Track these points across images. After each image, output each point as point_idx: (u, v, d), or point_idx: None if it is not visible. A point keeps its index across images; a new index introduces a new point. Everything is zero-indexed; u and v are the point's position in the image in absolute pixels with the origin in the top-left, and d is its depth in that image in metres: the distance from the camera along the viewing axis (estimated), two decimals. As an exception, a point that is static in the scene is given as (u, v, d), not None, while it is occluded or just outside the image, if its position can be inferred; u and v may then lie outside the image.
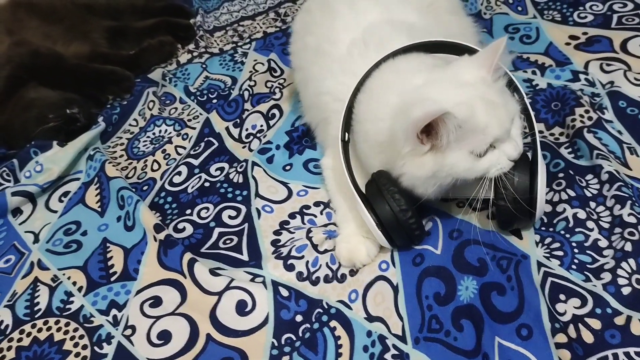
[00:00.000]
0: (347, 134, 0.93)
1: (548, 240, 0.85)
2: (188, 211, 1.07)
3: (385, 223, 0.84)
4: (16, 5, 1.57)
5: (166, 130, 1.30)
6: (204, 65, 1.50)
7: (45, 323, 0.93)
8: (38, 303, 0.96)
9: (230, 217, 1.04)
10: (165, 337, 0.87)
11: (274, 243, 0.97)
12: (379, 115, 0.86)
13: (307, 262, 0.91)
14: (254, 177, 1.08)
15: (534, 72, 1.14)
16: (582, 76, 1.10)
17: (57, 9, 1.58)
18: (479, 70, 0.81)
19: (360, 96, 0.91)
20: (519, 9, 1.34)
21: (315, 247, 0.93)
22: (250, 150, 1.17)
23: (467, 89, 0.80)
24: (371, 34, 0.97)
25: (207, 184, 1.11)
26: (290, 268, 0.91)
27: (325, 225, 0.98)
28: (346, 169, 0.89)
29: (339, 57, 0.98)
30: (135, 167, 1.22)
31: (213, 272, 0.91)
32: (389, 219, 0.83)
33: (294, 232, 0.97)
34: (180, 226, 1.04)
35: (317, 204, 1.02)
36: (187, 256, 0.94)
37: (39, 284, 1.00)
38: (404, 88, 0.84)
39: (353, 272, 0.88)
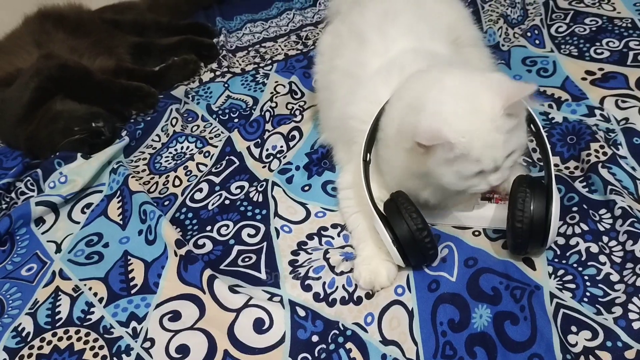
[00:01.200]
0: (368, 155, 0.96)
1: (561, 272, 0.87)
2: (208, 228, 1.09)
3: (401, 240, 0.86)
4: (45, 17, 1.62)
5: (188, 147, 1.34)
6: (226, 85, 1.54)
7: (66, 332, 0.96)
8: (59, 312, 0.99)
9: (249, 235, 1.06)
10: (184, 351, 0.89)
11: (292, 263, 0.99)
12: (394, 113, 0.91)
13: (324, 283, 0.93)
14: (273, 197, 1.11)
15: (550, 106, 1.17)
16: (597, 111, 1.13)
17: (85, 23, 1.63)
18: (497, 100, 0.82)
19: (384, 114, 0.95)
20: (537, 42, 1.37)
21: (332, 268, 0.95)
22: (271, 170, 1.20)
23: (477, 118, 0.82)
24: (394, 61, 1.01)
25: (227, 202, 1.14)
26: (307, 288, 0.93)
27: (342, 247, 1.00)
28: (366, 186, 0.92)
29: (365, 82, 1.02)
30: (157, 182, 1.25)
31: (232, 289, 0.93)
32: (406, 237, 0.86)
33: (311, 253, 1.00)
34: (200, 242, 1.07)
35: (334, 226, 1.05)
36: (207, 272, 0.96)
37: (60, 293, 1.03)
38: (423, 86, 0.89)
39: (369, 295, 0.91)
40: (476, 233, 0.95)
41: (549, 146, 0.90)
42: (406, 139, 0.85)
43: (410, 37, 1.04)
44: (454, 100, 0.84)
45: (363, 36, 1.07)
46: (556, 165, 1.05)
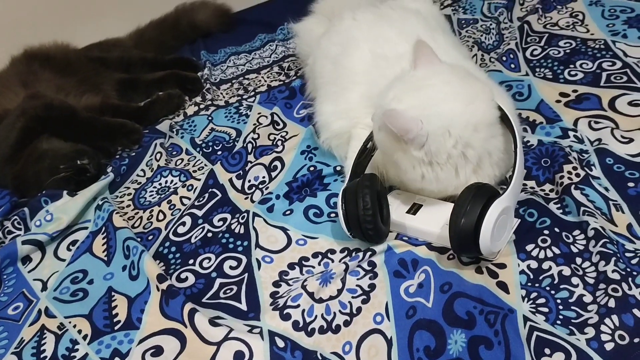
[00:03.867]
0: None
1: (534, 295, 0.88)
2: (191, 261, 1.11)
3: (349, 214, 0.99)
4: (31, 57, 1.65)
5: (172, 181, 1.35)
6: (210, 118, 1.56)
7: (50, 371, 0.97)
8: (44, 351, 1.00)
9: (231, 267, 1.07)
10: (166, 386, 0.90)
11: (273, 295, 1.00)
12: None
13: (303, 310, 0.94)
14: (254, 228, 1.12)
15: (525, 129, 1.19)
16: (571, 133, 1.15)
17: (71, 62, 1.66)
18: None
19: None
20: (512, 66, 1.40)
21: (311, 295, 0.96)
22: (253, 201, 1.21)
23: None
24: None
25: (209, 235, 1.15)
26: (286, 317, 0.94)
27: (321, 273, 1.01)
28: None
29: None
30: (141, 217, 1.27)
31: (213, 322, 0.94)
32: (352, 213, 0.98)
33: (291, 285, 1.01)
34: (183, 276, 1.08)
35: (315, 255, 1.06)
36: (188, 306, 0.97)
37: (45, 331, 1.04)
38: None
39: (347, 323, 0.92)
40: (450, 257, 0.96)
41: (520, 158, 0.94)
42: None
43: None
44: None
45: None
46: (532, 188, 1.07)
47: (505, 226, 0.92)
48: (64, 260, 1.19)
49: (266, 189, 1.23)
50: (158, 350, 0.95)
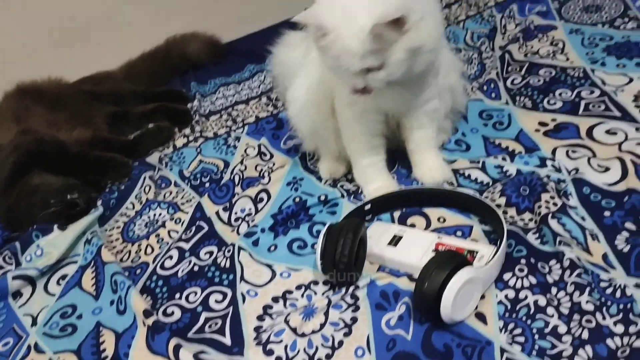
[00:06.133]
0: None
1: (511, 325, 0.89)
2: (177, 295, 1.12)
3: (326, 253, 1.01)
4: (24, 93, 1.69)
5: (160, 214, 1.38)
6: (198, 149, 1.59)
7: (38, 408, 0.98)
8: (32, 386, 1.02)
9: (216, 301, 1.09)
10: (150, 422, 0.91)
11: (257, 329, 1.01)
12: None
13: (286, 346, 0.95)
14: (240, 262, 1.14)
15: (504, 159, 1.21)
16: (549, 162, 1.17)
17: (63, 97, 1.69)
18: (370, 18, 0.96)
19: None
20: (493, 95, 1.43)
21: (293, 330, 0.97)
22: (239, 233, 1.23)
23: (350, 23, 0.99)
24: None
25: (196, 268, 1.17)
26: (269, 353, 0.95)
27: (304, 307, 1.03)
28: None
29: None
30: (130, 251, 1.29)
31: (197, 357, 0.96)
32: (329, 253, 1.00)
33: (274, 319, 1.02)
34: (169, 310, 1.10)
35: (299, 287, 1.07)
36: (174, 341, 0.99)
37: (36, 367, 1.05)
38: None
39: (329, 356, 0.93)
40: (430, 290, 0.98)
41: (504, 246, 0.96)
42: None
43: None
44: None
45: None
46: (512, 217, 1.09)
47: (472, 296, 0.91)
48: (53, 295, 1.21)
49: (252, 222, 1.25)
50: (144, 386, 0.96)
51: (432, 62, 1.11)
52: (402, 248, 1.05)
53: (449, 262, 0.90)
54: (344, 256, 0.99)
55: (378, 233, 1.09)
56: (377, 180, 1.23)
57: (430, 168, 1.23)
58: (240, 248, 1.17)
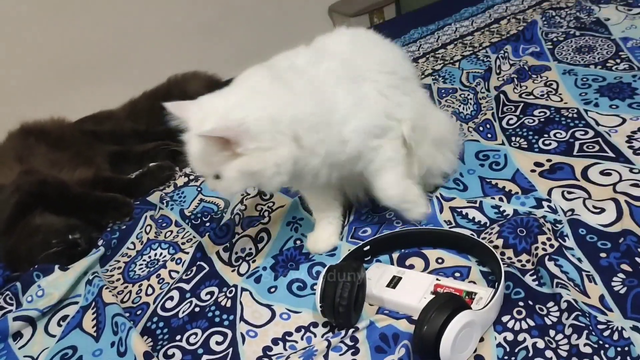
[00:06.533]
0: None
1: (510, 369, 0.90)
2: (178, 337, 1.13)
3: (325, 295, 1.02)
4: (27, 132, 1.71)
5: (161, 254, 1.39)
6: (199, 189, 1.61)
7: None
8: None
9: (217, 342, 1.09)
10: None
11: (257, 370, 1.02)
12: None
13: (287, 389, 0.96)
14: (241, 303, 1.15)
15: (501, 199, 1.23)
16: (545, 203, 1.19)
17: (65, 137, 1.71)
18: (210, 123, 1.01)
19: None
20: (489, 135, 1.45)
21: (293, 374, 0.98)
22: (240, 274, 1.24)
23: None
24: None
25: (197, 309, 1.18)
26: (270, 396, 0.96)
27: (304, 349, 1.03)
28: None
29: None
30: (130, 291, 1.29)
31: (197, 400, 0.96)
32: (329, 297, 1.01)
33: (275, 360, 1.03)
34: (170, 352, 1.10)
35: (298, 329, 1.08)
36: (173, 385, 1.00)
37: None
38: None
39: (329, 399, 0.94)
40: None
41: (502, 288, 0.97)
42: None
43: None
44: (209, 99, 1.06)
45: None
46: (509, 258, 1.10)
47: (471, 339, 0.92)
48: (54, 336, 1.21)
49: (253, 262, 1.26)
50: None
51: (315, 174, 1.10)
52: (401, 290, 1.06)
53: (447, 304, 0.91)
54: (343, 299, 1.00)
55: (377, 274, 1.10)
56: (319, 234, 1.26)
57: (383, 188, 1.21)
58: (242, 289, 1.18)
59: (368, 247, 1.17)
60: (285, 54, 1.16)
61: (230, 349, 1.07)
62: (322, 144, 1.07)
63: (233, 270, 1.26)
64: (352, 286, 1.01)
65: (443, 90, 1.73)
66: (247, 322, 1.11)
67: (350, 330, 1.01)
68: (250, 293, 1.17)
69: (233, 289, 1.19)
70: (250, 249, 1.31)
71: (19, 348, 1.21)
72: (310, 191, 1.27)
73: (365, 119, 1.11)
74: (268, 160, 1.01)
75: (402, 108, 1.17)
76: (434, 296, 1.00)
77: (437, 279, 1.06)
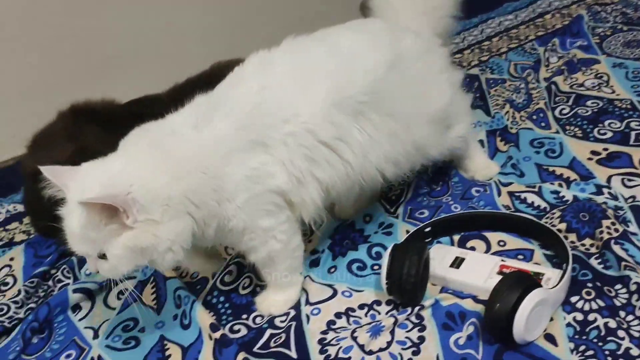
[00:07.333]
0: None
1: (582, 347, 0.91)
2: (244, 316, 1.14)
3: (392, 272, 1.02)
4: (78, 112, 1.72)
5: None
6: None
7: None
8: (102, 396, 1.03)
9: (281, 321, 1.11)
10: None
11: (321, 341, 1.03)
12: None
13: (355, 363, 0.97)
14: (304, 289, 1.15)
15: (560, 185, 1.24)
16: (605, 190, 1.19)
17: (115, 118, 1.72)
18: (90, 191, 0.92)
19: None
20: (542, 124, 1.45)
21: (361, 347, 0.99)
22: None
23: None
24: None
25: (258, 289, 1.18)
26: (338, 369, 0.97)
27: (369, 324, 1.04)
28: None
29: None
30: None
31: (265, 371, 0.98)
32: (396, 273, 1.02)
33: (339, 333, 1.04)
34: (235, 328, 1.11)
35: (361, 306, 1.09)
36: (241, 355, 1.01)
37: (103, 382, 1.06)
38: None
39: (400, 372, 0.95)
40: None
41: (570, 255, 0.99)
42: None
43: None
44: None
45: None
46: (573, 242, 1.10)
47: (542, 318, 0.93)
48: (114, 308, 1.23)
49: (309, 242, 1.27)
50: (214, 397, 0.98)
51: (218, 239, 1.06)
52: (466, 270, 1.07)
53: (520, 283, 0.92)
54: (410, 276, 1.01)
55: (440, 255, 1.11)
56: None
57: None
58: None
59: (429, 229, 1.17)
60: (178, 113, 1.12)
61: (294, 322, 1.08)
62: (213, 218, 0.99)
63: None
64: (419, 264, 1.02)
65: (492, 81, 1.73)
66: (311, 303, 1.12)
67: (416, 308, 1.02)
68: (310, 277, 1.18)
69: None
70: (304, 230, 1.31)
71: (79, 320, 1.22)
72: None
73: (253, 196, 1.00)
74: (160, 234, 0.92)
75: (308, 185, 1.04)
76: (500, 276, 1.01)
77: (502, 260, 1.07)
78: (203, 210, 0.97)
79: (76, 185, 0.93)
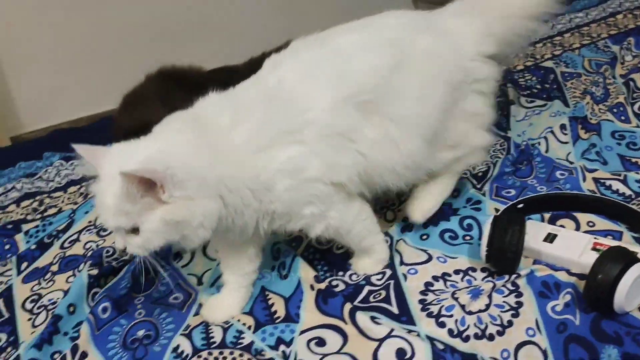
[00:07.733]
0: None
1: (676, 319, 0.97)
2: (340, 273, 1.21)
3: (494, 242, 1.09)
4: (166, 76, 1.79)
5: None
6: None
7: (221, 353, 1.07)
8: (213, 337, 1.11)
9: (377, 279, 1.18)
10: (335, 371, 1.00)
11: (422, 301, 1.10)
12: None
13: (456, 320, 1.04)
14: (397, 250, 1.23)
15: (643, 171, 1.30)
16: (689, 185, 1.25)
17: (202, 84, 1.78)
18: (127, 166, 0.92)
19: None
20: (622, 118, 1.51)
21: (462, 307, 1.06)
22: (387, 220, 1.33)
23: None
24: None
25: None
26: (441, 325, 1.04)
27: (468, 288, 1.11)
28: None
29: None
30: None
31: (374, 320, 1.05)
32: (498, 243, 1.09)
33: (439, 295, 1.11)
34: (334, 283, 1.19)
35: (457, 272, 1.16)
36: (348, 306, 1.08)
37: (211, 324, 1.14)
38: None
39: (501, 333, 1.01)
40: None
41: None
42: None
43: None
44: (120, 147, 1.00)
45: None
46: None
47: (639, 291, 0.99)
48: (213, 259, 1.30)
49: (399, 211, 1.34)
50: (321, 342, 1.05)
51: (241, 231, 1.06)
52: (559, 245, 1.13)
53: (622, 257, 0.98)
54: (512, 245, 1.08)
55: (533, 230, 1.17)
56: (221, 300, 1.18)
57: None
58: (395, 239, 1.26)
59: (522, 205, 1.24)
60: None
61: (392, 281, 1.15)
62: (246, 208, 1.02)
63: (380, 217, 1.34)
64: (520, 235, 1.08)
65: (567, 75, 1.78)
66: (406, 264, 1.19)
67: (513, 276, 1.09)
68: (404, 241, 1.25)
69: (388, 239, 1.26)
70: (392, 198, 1.37)
71: (181, 267, 1.30)
72: (226, 250, 1.18)
73: (290, 187, 1.03)
74: (195, 210, 0.94)
75: (344, 168, 1.07)
76: (594, 252, 1.07)
77: (595, 238, 1.13)
78: (235, 197, 1.00)
79: (111, 163, 0.95)
